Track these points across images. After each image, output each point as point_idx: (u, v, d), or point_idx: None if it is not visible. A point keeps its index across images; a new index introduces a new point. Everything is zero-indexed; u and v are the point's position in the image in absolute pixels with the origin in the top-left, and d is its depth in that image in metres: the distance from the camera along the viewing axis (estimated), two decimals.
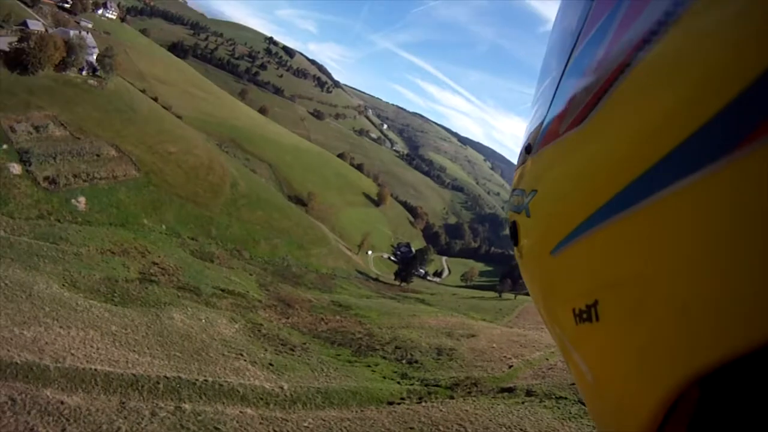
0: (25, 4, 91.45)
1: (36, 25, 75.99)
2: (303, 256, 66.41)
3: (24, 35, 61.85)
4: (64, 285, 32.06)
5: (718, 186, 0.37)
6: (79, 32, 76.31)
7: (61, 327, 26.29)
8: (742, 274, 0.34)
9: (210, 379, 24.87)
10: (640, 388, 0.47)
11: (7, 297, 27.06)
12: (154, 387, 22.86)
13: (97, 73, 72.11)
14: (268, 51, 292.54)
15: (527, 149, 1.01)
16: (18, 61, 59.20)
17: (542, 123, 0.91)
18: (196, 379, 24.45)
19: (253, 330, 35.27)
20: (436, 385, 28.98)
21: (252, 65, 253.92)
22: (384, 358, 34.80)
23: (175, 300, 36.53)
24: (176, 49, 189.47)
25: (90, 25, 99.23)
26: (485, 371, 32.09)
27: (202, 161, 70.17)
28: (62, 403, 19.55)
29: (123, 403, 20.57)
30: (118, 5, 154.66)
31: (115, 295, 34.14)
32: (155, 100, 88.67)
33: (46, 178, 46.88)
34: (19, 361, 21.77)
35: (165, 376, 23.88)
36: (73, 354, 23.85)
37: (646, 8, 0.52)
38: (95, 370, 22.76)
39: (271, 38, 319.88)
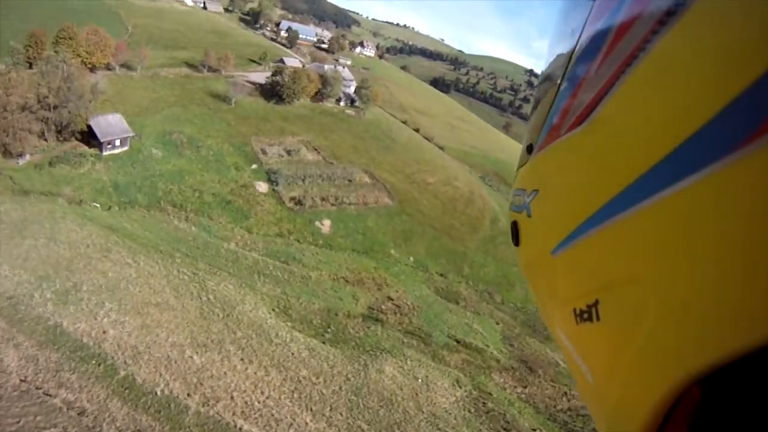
0: (283, 45, 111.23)
1: (293, 62, 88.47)
2: None
3: (278, 70, 71.74)
4: (273, 309, 29.26)
5: (719, 186, 0.38)
6: (335, 67, 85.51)
7: (241, 359, 22.16)
8: (743, 274, 0.36)
9: None
10: (641, 388, 0.48)
11: (202, 313, 24.75)
12: None
13: (355, 104, 78.87)
14: (530, 84, 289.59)
15: (528, 149, 1.04)
16: (274, 92, 68.82)
17: (543, 123, 0.93)
18: None
19: (477, 401, 28.49)
20: None
21: (515, 98, 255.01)
22: None
23: (397, 347, 31.73)
24: (437, 83, 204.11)
25: (348, 62, 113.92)
26: None
27: (461, 193, 67.97)
28: None
29: None
30: (377, 46, 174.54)
31: (329, 330, 30.39)
32: (416, 131, 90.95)
33: (292, 199, 49.81)
34: (159, 393, 18.05)
35: None
36: (232, 398, 18.90)
37: (646, 9, 0.54)
38: (240, 429, 16.83)
39: (531, 71, 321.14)
